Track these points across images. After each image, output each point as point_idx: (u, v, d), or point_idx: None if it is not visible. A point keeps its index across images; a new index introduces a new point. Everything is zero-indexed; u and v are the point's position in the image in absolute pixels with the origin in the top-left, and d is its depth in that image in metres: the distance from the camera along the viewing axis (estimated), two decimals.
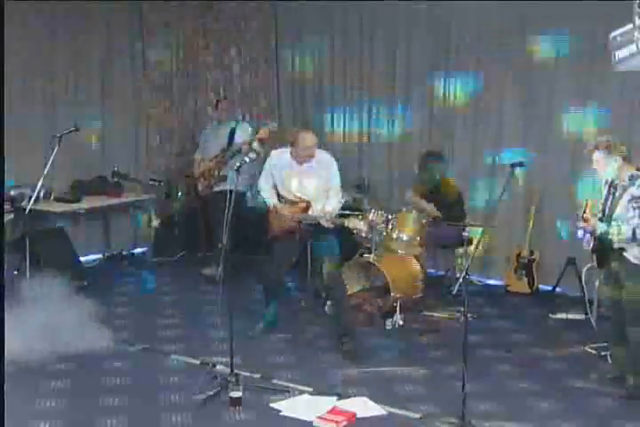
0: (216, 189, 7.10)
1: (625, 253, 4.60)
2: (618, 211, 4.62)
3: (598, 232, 4.65)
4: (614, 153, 4.61)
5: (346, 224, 5.40)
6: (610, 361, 5.14)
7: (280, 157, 5.60)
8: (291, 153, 5.51)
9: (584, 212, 4.78)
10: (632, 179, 4.58)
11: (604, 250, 4.72)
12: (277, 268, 5.76)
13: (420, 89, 7.59)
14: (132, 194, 7.81)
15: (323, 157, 5.58)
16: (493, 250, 7.39)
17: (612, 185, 4.72)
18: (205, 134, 7.51)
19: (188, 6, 8.27)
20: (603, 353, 5.33)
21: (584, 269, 6.16)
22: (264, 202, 5.75)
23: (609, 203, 4.71)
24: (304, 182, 5.53)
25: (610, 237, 4.56)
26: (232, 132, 7.17)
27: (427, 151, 7.10)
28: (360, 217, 5.79)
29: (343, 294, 5.68)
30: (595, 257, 4.86)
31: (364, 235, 5.77)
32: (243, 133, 7.15)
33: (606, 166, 4.66)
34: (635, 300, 4.65)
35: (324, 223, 5.36)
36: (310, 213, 5.51)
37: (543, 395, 4.82)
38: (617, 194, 4.66)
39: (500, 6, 6.84)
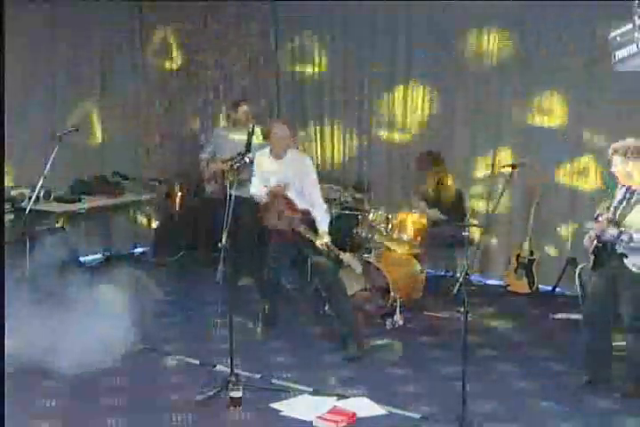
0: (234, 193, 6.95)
1: (625, 260, 4.55)
2: (631, 218, 4.53)
3: (608, 236, 4.55)
4: (627, 158, 4.53)
5: (340, 257, 5.46)
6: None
7: (261, 158, 5.73)
8: (270, 150, 5.60)
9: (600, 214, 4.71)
10: None
11: (604, 252, 4.66)
12: (276, 268, 5.77)
13: (419, 89, 7.59)
14: (131, 194, 7.80)
15: (299, 154, 5.76)
16: (493, 250, 7.40)
17: (629, 190, 4.64)
18: (220, 134, 7.32)
19: (188, 6, 8.27)
20: None
21: (577, 269, 6.16)
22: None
23: (621, 207, 4.62)
24: (279, 177, 5.60)
25: (619, 242, 4.50)
26: (249, 135, 6.99)
27: (426, 152, 7.11)
28: (359, 216, 5.82)
29: (342, 296, 5.67)
30: (592, 258, 4.78)
31: (357, 272, 5.81)
32: (258, 137, 6.98)
33: (630, 173, 4.57)
34: (632, 308, 4.62)
35: (320, 246, 5.39)
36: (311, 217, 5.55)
37: (543, 395, 4.82)
38: (633, 200, 4.57)
39: (500, 6, 6.85)
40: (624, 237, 4.48)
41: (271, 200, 5.63)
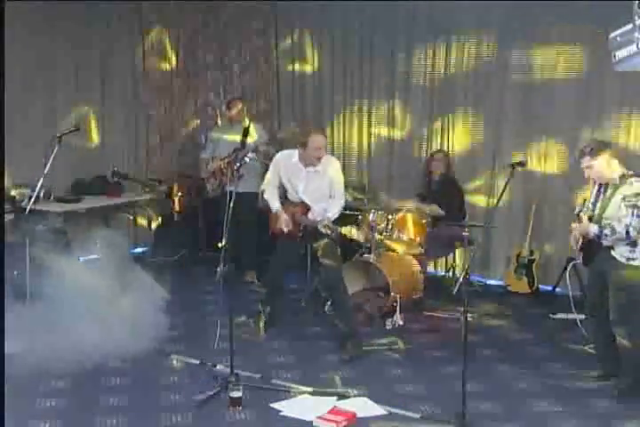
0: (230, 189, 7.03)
1: (612, 252, 4.59)
2: (609, 211, 4.59)
3: (591, 235, 4.60)
4: (601, 154, 4.58)
5: (342, 231, 5.39)
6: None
7: (287, 159, 5.60)
8: (299, 155, 5.50)
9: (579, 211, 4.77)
10: (623, 178, 4.58)
11: (591, 248, 4.71)
12: (278, 268, 5.78)
13: (419, 89, 7.59)
14: (131, 194, 7.80)
15: (328, 159, 5.57)
16: (493, 250, 7.40)
17: (601, 185, 4.70)
18: (217, 134, 7.48)
19: (188, 6, 8.27)
20: None
21: (569, 266, 6.20)
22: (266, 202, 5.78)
23: (598, 203, 4.69)
24: (310, 187, 5.55)
25: (604, 237, 4.54)
26: (245, 132, 7.15)
27: (436, 150, 7.14)
28: (356, 225, 5.80)
29: (345, 295, 5.67)
30: (581, 255, 4.85)
31: (361, 241, 5.78)
32: (255, 134, 7.18)
33: (599, 170, 4.61)
34: (619, 300, 4.64)
35: (322, 229, 5.36)
36: (310, 216, 5.53)
37: (543, 395, 4.82)
38: (607, 193, 4.64)
39: (499, 6, 6.85)
40: (607, 232, 4.53)
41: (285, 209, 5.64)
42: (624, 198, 4.51)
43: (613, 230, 4.50)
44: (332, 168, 5.55)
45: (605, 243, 4.60)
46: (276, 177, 5.68)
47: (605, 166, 4.60)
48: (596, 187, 4.75)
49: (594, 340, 5.13)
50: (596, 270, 4.80)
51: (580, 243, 4.77)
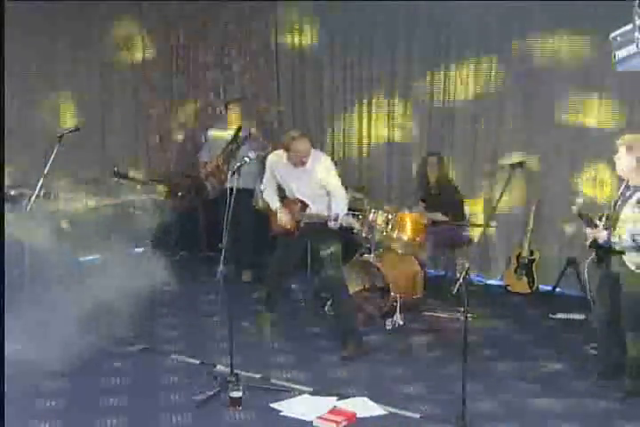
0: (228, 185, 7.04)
1: (624, 258, 4.52)
2: (625, 212, 4.52)
3: (601, 241, 4.56)
4: (633, 153, 4.52)
5: (340, 222, 5.38)
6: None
7: (279, 160, 5.62)
8: (287, 156, 5.52)
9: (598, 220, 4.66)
10: None
11: (602, 249, 4.65)
12: (278, 268, 5.78)
13: (419, 89, 7.59)
14: (132, 194, 7.80)
15: (318, 158, 5.55)
16: (493, 250, 7.40)
17: (627, 186, 4.63)
18: (214, 134, 7.48)
19: (188, 6, 8.28)
20: None
21: (585, 263, 6.18)
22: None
23: (618, 203, 4.61)
24: (302, 186, 5.56)
25: (612, 244, 4.50)
26: (237, 130, 7.21)
27: (430, 153, 7.13)
28: (359, 217, 5.79)
29: (345, 295, 5.66)
30: (594, 253, 4.76)
31: (363, 234, 5.77)
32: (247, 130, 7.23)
33: (623, 165, 4.57)
34: (632, 306, 4.61)
35: (331, 224, 5.35)
36: (308, 211, 5.54)
37: (543, 395, 4.82)
38: (627, 195, 4.57)
39: (499, 6, 6.84)
40: (615, 240, 4.49)
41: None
42: (638, 202, 4.45)
43: (620, 238, 4.45)
44: (320, 165, 5.53)
45: (618, 248, 4.53)
46: (272, 177, 5.72)
47: (634, 166, 4.52)
48: (623, 187, 4.67)
49: (599, 341, 5.03)
50: (610, 272, 4.70)
51: (589, 241, 4.69)
